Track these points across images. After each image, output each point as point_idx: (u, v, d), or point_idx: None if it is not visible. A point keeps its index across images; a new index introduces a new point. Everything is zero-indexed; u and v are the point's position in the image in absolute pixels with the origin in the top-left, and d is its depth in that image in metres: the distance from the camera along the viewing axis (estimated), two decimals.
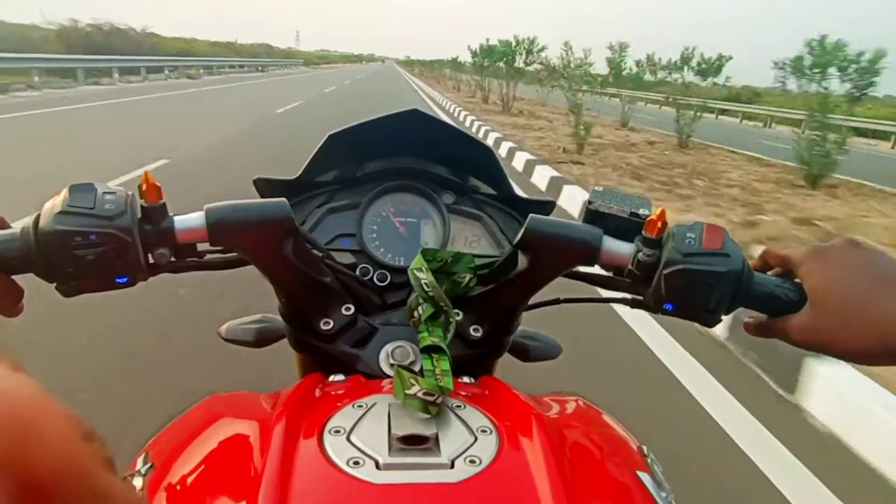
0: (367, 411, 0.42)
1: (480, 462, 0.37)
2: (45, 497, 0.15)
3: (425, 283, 0.52)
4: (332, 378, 0.52)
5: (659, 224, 0.48)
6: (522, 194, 0.70)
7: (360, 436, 0.38)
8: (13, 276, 0.44)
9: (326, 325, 0.55)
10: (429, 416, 0.41)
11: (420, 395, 0.41)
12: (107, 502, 0.18)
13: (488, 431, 0.40)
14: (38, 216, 0.44)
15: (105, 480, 0.18)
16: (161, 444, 0.45)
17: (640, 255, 0.48)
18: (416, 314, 0.53)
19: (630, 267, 0.49)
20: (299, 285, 0.54)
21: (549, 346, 0.74)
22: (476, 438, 0.39)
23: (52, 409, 0.16)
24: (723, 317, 0.49)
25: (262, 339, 0.71)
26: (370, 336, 0.57)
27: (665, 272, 0.47)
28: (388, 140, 0.68)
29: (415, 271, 0.53)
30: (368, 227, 0.66)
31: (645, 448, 0.48)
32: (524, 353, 0.72)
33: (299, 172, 0.65)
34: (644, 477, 0.42)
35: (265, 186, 0.63)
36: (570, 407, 0.52)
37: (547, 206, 0.68)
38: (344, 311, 0.56)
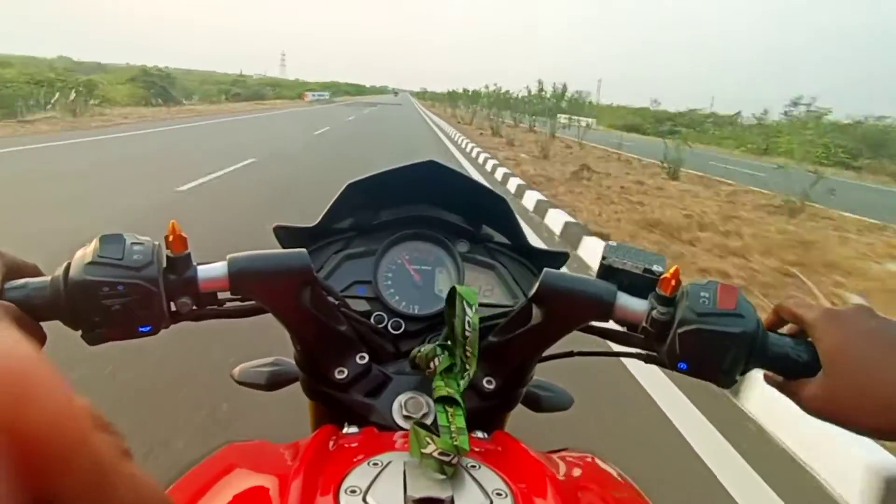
0: (382, 470, 0.42)
1: None
2: (41, 461, 0.15)
3: (468, 321, 0.51)
4: (345, 430, 0.52)
5: (673, 282, 0.48)
6: (537, 244, 0.71)
7: (376, 497, 0.38)
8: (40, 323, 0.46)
9: (341, 373, 0.56)
10: (444, 476, 0.41)
11: (436, 454, 0.41)
12: (112, 479, 0.17)
13: (503, 495, 0.40)
14: (69, 265, 0.45)
15: (109, 455, 0.17)
16: (176, 494, 0.45)
17: (655, 312, 0.48)
18: (432, 365, 0.53)
19: (644, 324, 0.50)
20: (315, 334, 0.55)
21: (561, 397, 0.74)
22: (491, 501, 0.39)
23: (50, 372, 0.16)
24: (738, 377, 0.49)
25: (275, 382, 0.71)
26: (383, 385, 0.57)
27: (679, 331, 0.47)
28: (405, 188, 0.69)
29: (464, 304, 0.52)
30: (384, 275, 0.67)
31: None
32: (536, 404, 0.71)
33: (318, 220, 0.67)
34: None
35: (285, 234, 0.65)
36: (583, 465, 0.52)
37: (560, 258, 0.68)
38: (358, 360, 0.56)
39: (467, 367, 0.52)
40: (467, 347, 0.51)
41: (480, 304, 0.67)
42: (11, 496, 0.14)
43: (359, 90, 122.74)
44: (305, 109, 33.36)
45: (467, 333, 0.51)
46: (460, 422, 0.47)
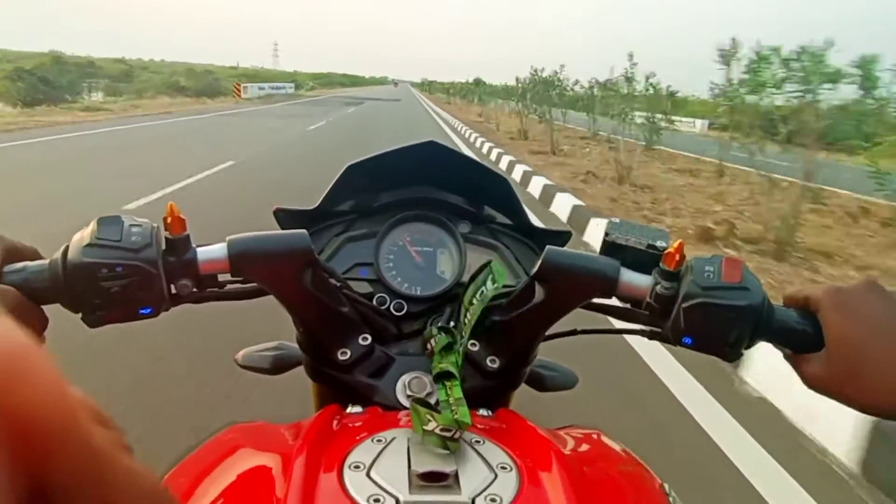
0: (386, 446, 0.42)
1: (501, 500, 0.36)
2: (33, 443, 0.15)
3: (483, 291, 0.54)
4: (349, 409, 0.52)
5: (677, 257, 0.48)
6: (538, 224, 0.70)
7: (379, 472, 0.38)
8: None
9: (344, 354, 0.56)
10: (448, 452, 0.40)
11: (438, 430, 0.41)
12: (108, 470, 0.17)
13: (508, 468, 0.40)
14: (67, 248, 0.45)
15: (105, 446, 0.17)
16: (180, 475, 0.45)
17: (659, 287, 0.48)
18: (430, 345, 0.53)
19: (648, 299, 0.49)
20: (317, 315, 0.55)
21: (565, 377, 0.74)
22: (496, 475, 0.39)
23: (43, 358, 0.16)
24: (743, 351, 0.48)
25: (279, 366, 0.71)
26: (387, 366, 0.57)
27: (684, 306, 0.46)
28: (406, 170, 0.69)
29: (490, 277, 0.54)
30: (385, 257, 0.67)
31: (666, 486, 0.47)
32: (540, 383, 0.71)
33: (318, 202, 0.66)
34: None
35: (285, 217, 0.64)
36: (589, 441, 0.52)
37: (563, 236, 0.68)
38: (361, 341, 0.56)
39: (459, 337, 0.52)
40: (468, 314, 0.52)
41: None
42: (5, 475, 0.14)
43: (354, 81, 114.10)
44: (219, 116, 17.96)
45: (475, 300, 0.52)
46: (457, 392, 0.47)
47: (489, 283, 0.54)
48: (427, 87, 74.25)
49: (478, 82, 29.98)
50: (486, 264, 0.57)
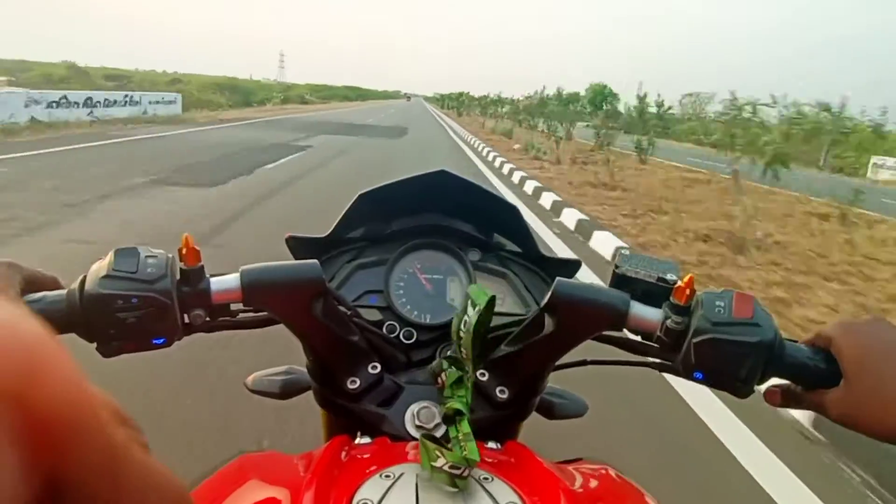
0: (394, 482, 0.41)
1: None
2: (51, 435, 0.15)
3: (465, 321, 0.51)
4: (358, 440, 0.52)
5: (687, 291, 0.47)
6: (548, 253, 0.70)
7: None
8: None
9: (353, 383, 0.56)
10: (456, 490, 0.40)
11: (447, 468, 0.41)
12: (125, 466, 0.17)
13: None
14: (84, 279, 0.46)
15: (123, 442, 0.17)
16: None
17: (669, 322, 0.48)
18: (440, 379, 0.53)
19: (658, 333, 0.49)
20: (327, 344, 0.55)
21: (575, 404, 0.73)
22: None
23: (64, 353, 0.16)
24: (756, 387, 0.48)
25: (288, 391, 0.71)
26: (396, 395, 0.57)
27: (694, 341, 0.46)
28: (417, 198, 0.69)
29: (468, 304, 0.52)
30: (395, 284, 0.67)
31: None
32: (549, 411, 0.71)
33: (330, 230, 0.67)
34: None
35: (297, 245, 0.65)
36: (599, 477, 0.51)
37: (572, 266, 0.68)
38: (370, 370, 0.56)
39: (467, 369, 0.52)
40: (462, 349, 0.51)
41: (493, 314, 0.67)
42: (22, 467, 0.14)
43: (361, 94, 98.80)
44: None
45: (462, 333, 0.51)
46: (466, 428, 0.47)
47: (469, 309, 0.52)
48: (453, 102, 52.84)
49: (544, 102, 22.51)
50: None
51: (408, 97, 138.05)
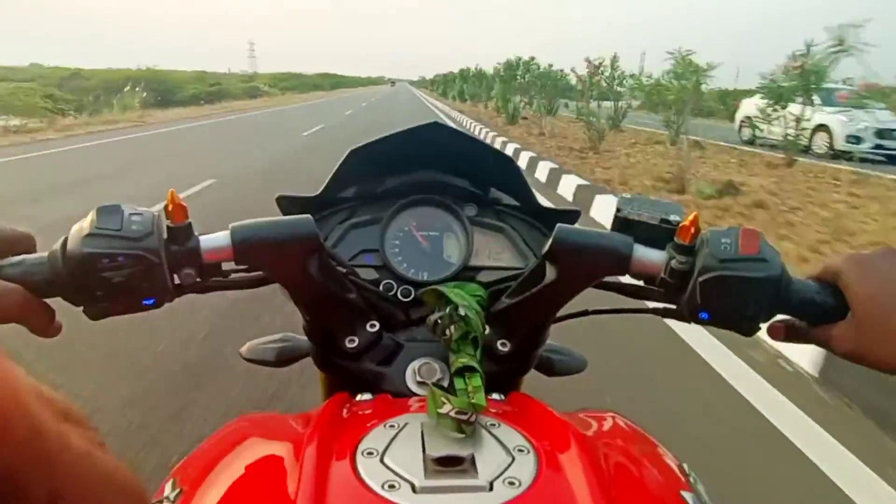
0: (399, 431, 0.40)
1: (520, 483, 0.35)
2: None
3: (463, 309, 0.52)
4: (359, 397, 0.51)
5: (692, 230, 0.46)
6: (546, 204, 0.69)
7: (393, 457, 0.37)
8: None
9: (351, 342, 0.55)
10: (463, 435, 0.39)
11: (453, 414, 0.40)
12: (58, 452, 0.17)
13: (525, 451, 0.39)
14: (66, 239, 0.44)
15: (58, 430, 0.17)
16: (189, 468, 0.44)
17: (674, 262, 0.47)
18: (447, 333, 0.52)
19: (662, 275, 0.48)
20: (324, 303, 0.54)
21: (574, 360, 0.73)
22: (513, 458, 0.38)
23: None
24: (761, 325, 0.47)
25: (284, 358, 0.70)
26: (395, 353, 0.56)
27: (700, 280, 0.45)
28: (409, 154, 0.67)
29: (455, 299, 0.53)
30: (391, 242, 0.66)
31: (686, 466, 0.46)
32: (549, 368, 0.70)
33: (321, 189, 0.65)
34: (688, 497, 0.41)
35: (287, 204, 0.63)
36: (607, 424, 0.50)
37: (572, 216, 0.67)
38: (369, 328, 0.55)
39: (473, 322, 0.52)
40: (473, 329, 0.52)
41: (490, 268, 0.66)
42: None
43: (336, 83, 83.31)
44: None
45: (465, 315, 0.52)
46: (477, 382, 0.46)
47: (460, 310, 0.52)
48: (440, 84, 47.06)
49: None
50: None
51: (392, 83, 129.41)
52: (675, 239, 0.47)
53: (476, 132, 11.82)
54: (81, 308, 0.45)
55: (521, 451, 0.39)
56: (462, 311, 0.52)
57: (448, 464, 0.37)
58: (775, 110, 8.74)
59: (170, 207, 0.46)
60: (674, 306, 0.50)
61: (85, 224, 0.44)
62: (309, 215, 0.50)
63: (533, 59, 16.76)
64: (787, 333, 0.49)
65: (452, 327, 0.52)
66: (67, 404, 0.18)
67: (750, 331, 0.47)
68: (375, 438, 0.40)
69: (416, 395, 0.53)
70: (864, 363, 0.43)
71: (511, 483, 0.35)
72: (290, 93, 50.82)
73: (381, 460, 0.37)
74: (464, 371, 0.48)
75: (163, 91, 26.33)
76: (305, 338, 0.62)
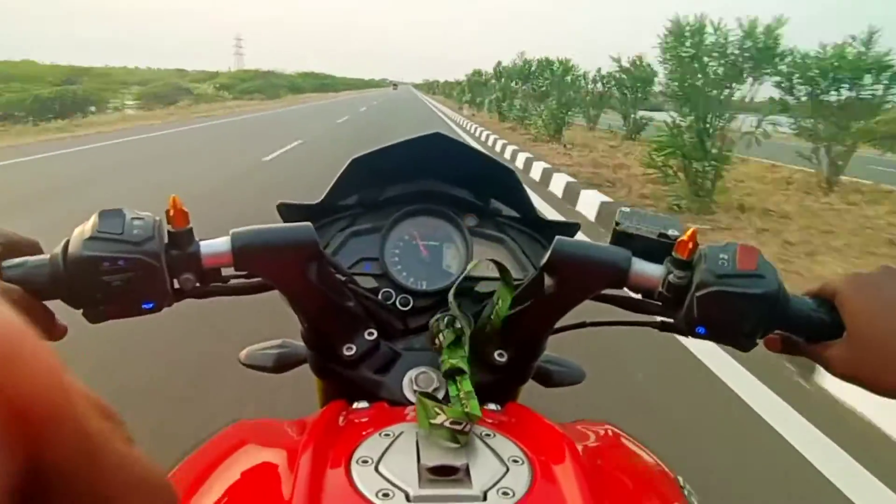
0: (394, 440, 0.41)
1: (514, 494, 0.35)
2: (28, 424, 0.15)
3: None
4: (355, 405, 0.51)
5: (690, 245, 0.47)
6: (546, 216, 0.69)
7: (388, 466, 0.37)
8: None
9: (349, 350, 0.55)
10: (458, 445, 0.40)
11: (447, 423, 0.40)
12: (105, 458, 0.17)
13: (520, 461, 0.39)
14: (68, 242, 0.44)
15: (102, 432, 0.17)
16: (185, 472, 0.44)
17: (671, 276, 0.47)
18: (438, 340, 0.52)
19: (660, 289, 0.48)
20: (323, 310, 0.54)
21: (572, 371, 0.73)
22: (508, 469, 0.38)
23: (40, 343, 0.16)
24: (758, 340, 0.47)
25: (282, 364, 0.70)
26: (393, 362, 0.56)
27: (697, 295, 0.45)
28: (411, 163, 0.68)
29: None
30: (391, 251, 0.66)
31: (680, 479, 0.46)
32: (547, 379, 0.70)
33: (322, 197, 0.65)
34: None
35: (288, 211, 0.64)
36: (602, 435, 0.51)
37: (571, 229, 0.67)
38: (367, 336, 0.56)
39: (461, 325, 0.52)
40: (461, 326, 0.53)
41: (490, 279, 0.66)
42: (1, 457, 0.14)
43: (326, 84, 67.80)
44: None
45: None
46: (467, 386, 0.46)
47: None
48: (445, 87, 40.92)
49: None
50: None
51: (394, 85, 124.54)
52: (674, 254, 0.47)
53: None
54: (81, 311, 0.45)
55: (515, 461, 0.39)
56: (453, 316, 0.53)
57: (442, 473, 0.37)
58: None
59: (171, 212, 0.46)
60: (671, 320, 0.50)
61: (86, 227, 0.44)
62: (309, 223, 0.51)
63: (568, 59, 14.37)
64: (783, 346, 0.49)
65: (442, 335, 0.52)
66: (98, 399, 0.18)
67: (747, 346, 0.47)
68: (371, 447, 0.40)
69: (412, 403, 0.53)
70: (858, 384, 0.43)
71: (505, 493, 0.35)
72: (257, 97, 34.07)
73: (376, 469, 0.37)
74: (454, 374, 0.49)
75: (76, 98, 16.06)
76: (303, 344, 0.62)
